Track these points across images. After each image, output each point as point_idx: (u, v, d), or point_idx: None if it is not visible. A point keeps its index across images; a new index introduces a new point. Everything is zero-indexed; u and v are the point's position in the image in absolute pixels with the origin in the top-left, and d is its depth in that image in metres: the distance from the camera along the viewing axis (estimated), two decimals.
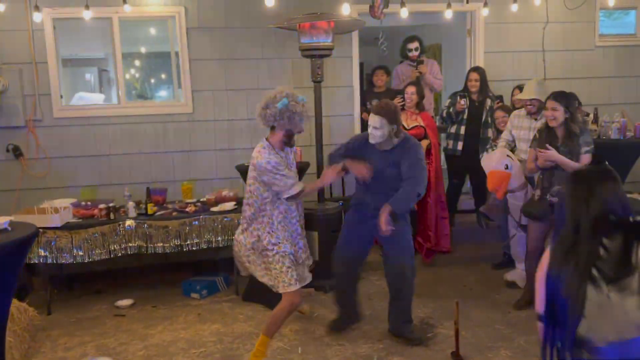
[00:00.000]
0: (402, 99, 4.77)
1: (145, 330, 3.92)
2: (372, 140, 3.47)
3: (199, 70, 5.30)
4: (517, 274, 4.53)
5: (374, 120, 3.44)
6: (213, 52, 5.29)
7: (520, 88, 5.03)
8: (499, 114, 4.77)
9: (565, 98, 3.63)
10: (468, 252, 5.28)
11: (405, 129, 4.77)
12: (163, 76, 5.90)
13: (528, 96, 4.19)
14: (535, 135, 3.90)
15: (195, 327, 3.95)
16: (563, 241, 1.60)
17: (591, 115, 5.05)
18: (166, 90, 5.74)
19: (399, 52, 5.72)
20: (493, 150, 4.64)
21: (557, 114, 3.61)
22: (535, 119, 4.21)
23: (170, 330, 3.91)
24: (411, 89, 4.79)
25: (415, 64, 5.48)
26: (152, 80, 5.92)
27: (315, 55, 4.33)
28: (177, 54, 5.28)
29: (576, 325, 1.52)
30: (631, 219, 1.56)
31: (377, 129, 3.42)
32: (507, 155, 4.14)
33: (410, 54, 5.49)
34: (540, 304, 1.68)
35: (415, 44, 5.47)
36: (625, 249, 1.50)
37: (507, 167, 4.07)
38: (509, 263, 4.80)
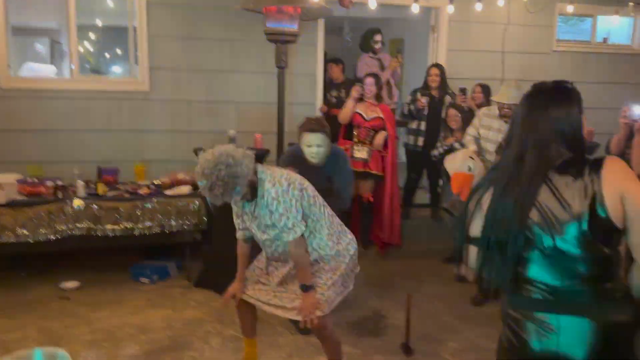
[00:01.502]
0: (361, 88, 4.76)
1: (92, 314, 3.79)
2: (315, 160, 3.35)
3: (158, 48, 5.12)
4: (468, 268, 4.63)
5: (316, 138, 3.33)
6: (174, 29, 5.13)
7: (482, 86, 5.13)
8: (451, 112, 4.80)
9: None
10: (420, 246, 5.37)
11: (365, 119, 4.79)
12: (119, 51, 5.67)
13: (507, 100, 4.16)
14: (501, 144, 3.96)
15: (144, 312, 3.85)
16: (504, 170, 1.61)
17: None
18: (122, 66, 5.52)
19: (360, 44, 5.72)
20: (443, 150, 4.71)
21: None
22: (506, 122, 4.24)
23: (118, 314, 3.80)
24: (370, 80, 4.79)
25: (377, 55, 5.50)
26: (107, 55, 5.68)
27: (280, 40, 4.26)
28: (135, 28, 5.08)
29: (514, 258, 1.57)
30: (583, 154, 1.55)
31: (321, 147, 3.35)
32: (470, 157, 4.19)
33: (375, 46, 5.50)
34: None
35: (380, 37, 5.49)
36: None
37: (469, 169, 4.13)
38: (460, 257, 4.90)
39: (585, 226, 1.47)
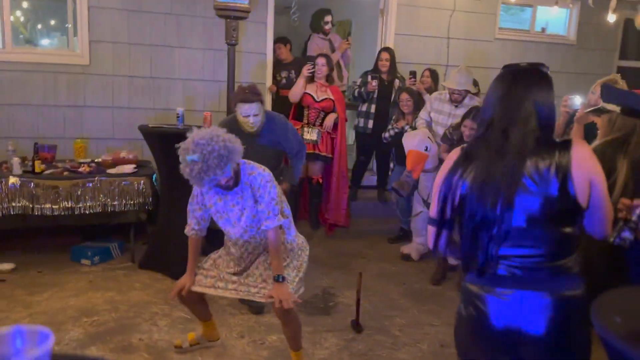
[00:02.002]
0: (312, 66, 4.73)
1: (30, 297, 3.62)
2: (252, 130, 3.35)
3: (98, 19, 4.87)
4: (412, 247, 4.76)
5: (251, 108, 3.34)
6: (116, 1, 4.88)
7: (431, 71, 5.23)
8: (403, 96, 4.88)
9: None
10: (367, 226, 5.46)
11: (315, 100, 4.78)
12: (55, 22, 5.35)
13: (458, 86, 4.29)
14: (446, 132, 4.08)
15: (86, 294, 3.71)
16: (487, 146, 1.60)
17: None
18: (59, 38, 5.21)
19: (311, 24, 5.69)
20: (394, 132, 4.79)
21: (474, 132, 3.82)
22: (456, 106, 4.37)
23: (58, 297, 3.64)
24: (322, 60, 4.76)
25: (327, 37, 5.48)
26: (43, 26, 5.35)
27: (231, 16, 4.16)
28: None
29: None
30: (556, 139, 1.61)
31: (257, 116, 3.39)
32: (428, 137, 4.28)
33: (325, 27, 5.49)
34: (434, 209, 1.72)
35: (330, 17, 5.48)
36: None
37: (426, 149, 4.21)
38: (404, 237, 5.04)
39: (554, 204, 1.53)
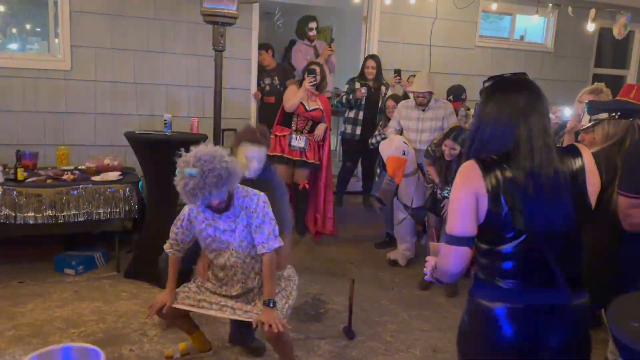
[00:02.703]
0: (313, 79, 4.70)
1: (13, 308, 3.51)
2: (247, 174, 2.97)
3: (80, 24, 4.80)
4: (399, 253, 4.79)
5: (260, 152, 2.99)
6: (98, 5, 4.82)
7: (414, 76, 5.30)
8: (389, 103, 4.96)
9: (462, 137, 3.86)
10: (353, 232, 5.47)
11: (306, 110, 4.79)
12: (35, 26, 5.24)
13: (421, 89, 4.41)
14: (428, 149, 4.16)
15: (72, 305, 3.62)
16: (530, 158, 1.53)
17: (472, 110, 5.47)
18: (40, 43, 5.11)
19: (295, 30, 5.69)
20: (381, 138, 4.83)
21: (454, 152, 3.92)
22: (423, 110, 4.48)
23: (43, 308, 3.55)
24: (318, 68, 4.77)
25: (313, 43, 5.50)
26: (22, 31, 5.24)
27: (219, 22, 4.12)
28: (55, 2, 4.72)
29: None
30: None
31: (260, 163, 3.02)
32: (404, 142, 4.35)
33: (310, 33, 5.50)
34: (462, 227, 1.57)
35: (315, 24, 5.50)
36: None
37: (404, 153, 4.28)
38: (391, 243, 5.06)
39: (573, 211, 1.55)
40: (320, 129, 4.84)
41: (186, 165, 2.31)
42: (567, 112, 3.22)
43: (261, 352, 3.12)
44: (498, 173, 1.51)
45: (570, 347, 1.62)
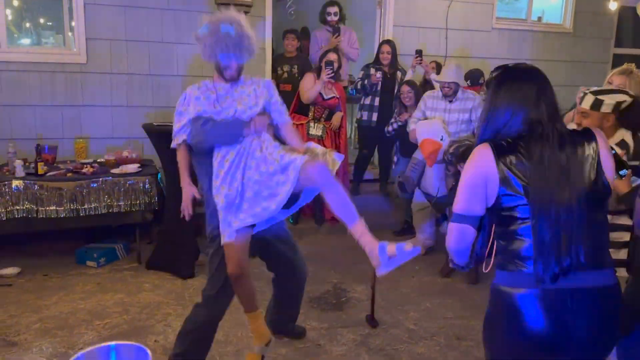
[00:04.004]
0: (331, 71, 4.63)
1: (38, 301, 3.56)
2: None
3: (94, 16, 4.79)
4: (417, 241, 4.75)
5: None
6: None
7: (437, 64, 5.22)
8: (404, 88, 4.85)
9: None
10: (371, 220, 5.37)
11: (323, 98, 4.75)
12: (51, 20, 5.24)
13: (447, 79, 4.27)
14: (444, 157, 4.04)
15: (96, 297, 3.66)
16: (548, 141, 1.59)
17: None
18: (54, 37, 5.11)
19: (318, 16, 5.62)
20: (398, 126, 4.76)
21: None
22: (451, 101, 4.35)
23: (67, 300, 3.59)
24: (334, 56, 4.72)
25: (332, 30, 5.42)
26: (38, 25, 5.24)
27: None
28: None
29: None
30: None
31: None
32: (443, 127, 4.24)
33: (329, 18, 5.42)
34: (466, 205, 1.66)
35: (334, 9, 5.41)
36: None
37: (441, 139, 4.18)
38: (409, 230, 5.03)
39: (588, 190, 1.58)
40: (337, 118, 4.80)
41: (220, 22, 2.44)
42: None
43: (303, 335, 3.19)
44: (511, 155, 1.58)
45: (599, 335, 1.58)
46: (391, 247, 2.29)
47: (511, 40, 6.36)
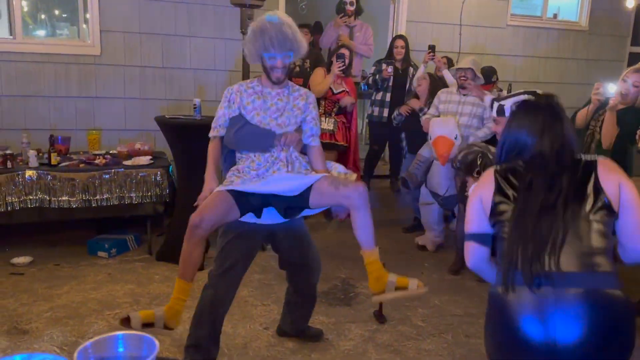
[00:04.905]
0: (342, 64, 4.63)
1: (49, 290, 3.60)
2: None
3: (109, 8, 4.82)
4: (427, 239, 4.74)
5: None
6: None
7: (448, 59, 5.19)
8: (420, 74, 4.80)
9: None
10: (380, 216, 5.40)
11: (333, 93, 4.74)
12: (65, 12, 5.29)
13: (466, 65, 4.27)
14: (454, 165, 4.03)
15: (106, 287, 3.69)
16: (533, 168, 1.71)
17: (504, 92, 5.34)
18: (68, 28, 5.16)
19: (336, 6, 5.60)
20: (404, 117, 4.74)
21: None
22: (465, 95, 4.32)
23: (78, 290, 3.62)
24: (346, 51, 4.70)
25: (347, 22, 5.41)
26: (53, 16, 5.29)
27: (247, 4, 4.09)
28: None
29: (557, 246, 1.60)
30: (582, 157, 1.75)
31: None
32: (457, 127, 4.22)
33: (346, 8, 5.40)
34: (471, 225, 1.81)
35: None
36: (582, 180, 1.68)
37: (455, 137, 4.16)
38: (419, 227, 5.01)
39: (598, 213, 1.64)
40: (346, 100, 4.76)
41: (263, 21, 2.42)
42: (610, 89, 3.11)
43: (320, 337, 3.11)
44: (510, 174, 1.74)
45: (594, 342, 1.53)
46: (401, 280, 2.52)
47: (526, 37, 6.31)
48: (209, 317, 2.67)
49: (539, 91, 2.78)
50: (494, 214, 1.72)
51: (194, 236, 2.41)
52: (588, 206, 1.63)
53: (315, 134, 2.70)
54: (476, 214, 1.78)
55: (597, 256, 1.60)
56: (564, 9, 6.68)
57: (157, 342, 0.98)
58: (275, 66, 2.48)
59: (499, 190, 1.72)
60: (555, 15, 6.59)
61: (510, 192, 1.71)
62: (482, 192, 1.77)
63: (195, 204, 2.58)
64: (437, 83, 4.72)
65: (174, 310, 2.46)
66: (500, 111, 2.68)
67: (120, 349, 1.01)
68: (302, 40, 2.51)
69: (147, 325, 2.37)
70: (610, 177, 1.67)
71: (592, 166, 1.70)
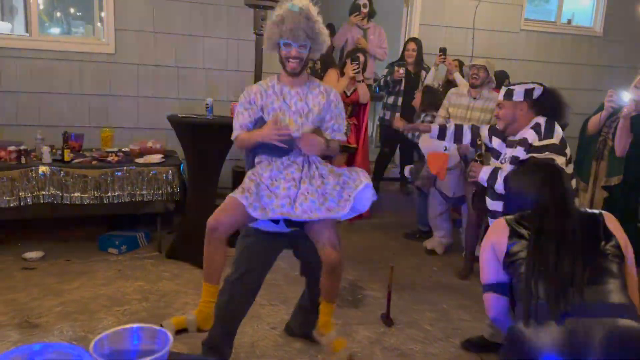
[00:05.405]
0: (357, 66, 4.64)
1: (60, 285, 3.64)
2: None
3: (124, 8, 4.87)
4: (435, 242, 4.72)
5: None
6: None
7: (459, 62, 5.18)
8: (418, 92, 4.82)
9: None
10: (389, 218, 5.44)
11: (347, 95, 4.76)
12: (78, 11, 5.35)
13: (477, 62, 4.29)
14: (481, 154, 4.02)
15: (116, 283, 3.72)
16: (537, 223, 1.81)
17: None
18: (85, 26, 5.22)
19: (350, 6, 5.62)
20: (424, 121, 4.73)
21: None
22: (474, 98, 4.31)
23: (88, 286, 3.66)
24: (362, 57, 4.72)
25: (360, 24, 5.42)
26: (68, 14, 5.35)
27: (260, 5, 4.12)
28: None
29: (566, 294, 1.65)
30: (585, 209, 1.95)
31: None
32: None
33: (361, 4, 5.42)
34: (487, 275, 1.86)
35: (364, 0, 5.40)
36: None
37: (445, 149, 4.16)
38: (425, 233, 4.97)
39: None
40: (362, 88, 4.75)
41: (284, 9, 2.36)
42: (624, 97, 3.09)
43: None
44: (521, 220, 1.85)
45: None
46: (337, 342, 2.61)
47: (539, 42, 6.28)
48: (223, 322, 2.64)
49: (546, 83, 2.83)
50: (509, 255, 1.79)
51: (213, 239, 2.39)
52: (602, 244, 1.75)
53: (337, 130, 2.62)
54: (490, 263, 1.84)
55: (615, 288, 1.66)
56: (579, 15, 6.64)
57: (170, 336, 1.00)
58: (290, 55, 2.41)
59: (513, 233, 1.80)
60: (569, 21, 6.55)
61: (524, 231, 1.79)
62: (494, 240, 1.84)
63: (268, 129, 2.42)
64: (434, 95, 4.68)
65: (204, 314, 2.46)
66: (508, 95, 2.73)
67: (135, 342, 1.03)
68: (323, 34, 2.43)
69: (180, 332, 2.41)
70: (617, 231, 1.79)
71: (597, 216, 1.83)
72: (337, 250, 2.50)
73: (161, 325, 2.27)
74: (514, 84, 2.81)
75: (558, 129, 2.74)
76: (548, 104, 2.74)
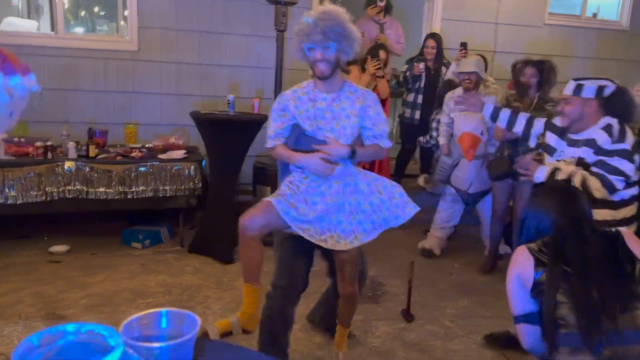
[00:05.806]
0: (378, 63, 4.63)
1: (85, 278, 3.71)
2: None
3: (147, 6, 4.92)
4: (433, 241, 4.61)
5: None
6: None
7: (481, 57, 5.11)
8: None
9: None
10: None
11: None
12: (102, 9, 5.44)
13: (467, 69, 4.12)
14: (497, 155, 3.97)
15: (139, 277, 3.78)
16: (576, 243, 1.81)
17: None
18: (108, 24, 5.30)
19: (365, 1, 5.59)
20: (435, 142, 4.69)
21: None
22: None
23: (112, 279, 3.73)
24: (383, 54, 4.70)
25: (377, 17, 5.38)
26: (92, 12, 5.44)
27: (281, 2, 4.13)
28: None
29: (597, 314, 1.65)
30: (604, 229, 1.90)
31: None
32: (484, 123, 4.16)
33: (376, 3, 5.38)
34: (516, 307, 1.85)
35: None
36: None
37: (481, 133, 4.11)
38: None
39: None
40: (382, 84, 4.76)
41: (313, 12, 2.35)
42: None
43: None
44: (542, 255, 1.80)
45: None
46: None
47: (564, 36, 6.17)
48: (272, 327, 2.62)
49: (617, 81, 2.65)
50: (537, 284, 1.77)
51: (246, 238, 2.36)
52: (628, 268, 1.73)
53: (378, 137, 2.48)
54: (518, 294, 1.83)
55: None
56: (604, 8, 6.51)
57: (198, 320, 1.03)
58: (316, 58, 2.34)
59: (538, 262, 1.78)
60: (594, 15, 6.42)
61: (546, 259, 1.78)
62: (519, 270, 1.82)
63: (316, 162, 2.37)
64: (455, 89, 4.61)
65: (248, 315, 2.43)
66: (577, 90, 2.53)
67: (164, 325, 1.07)
68: (350, 31, 2.33)
69: (225, 335, 2.41)
70: (637, 249, 1.78)
71: (616, 235, 1.82)
72: (353, 287, 2.58)
73: (206, 333, 2.33)
74: (582, 79, 2.58)
75: (630, 133, 2.55)
76: (619, 105, 2.55)
